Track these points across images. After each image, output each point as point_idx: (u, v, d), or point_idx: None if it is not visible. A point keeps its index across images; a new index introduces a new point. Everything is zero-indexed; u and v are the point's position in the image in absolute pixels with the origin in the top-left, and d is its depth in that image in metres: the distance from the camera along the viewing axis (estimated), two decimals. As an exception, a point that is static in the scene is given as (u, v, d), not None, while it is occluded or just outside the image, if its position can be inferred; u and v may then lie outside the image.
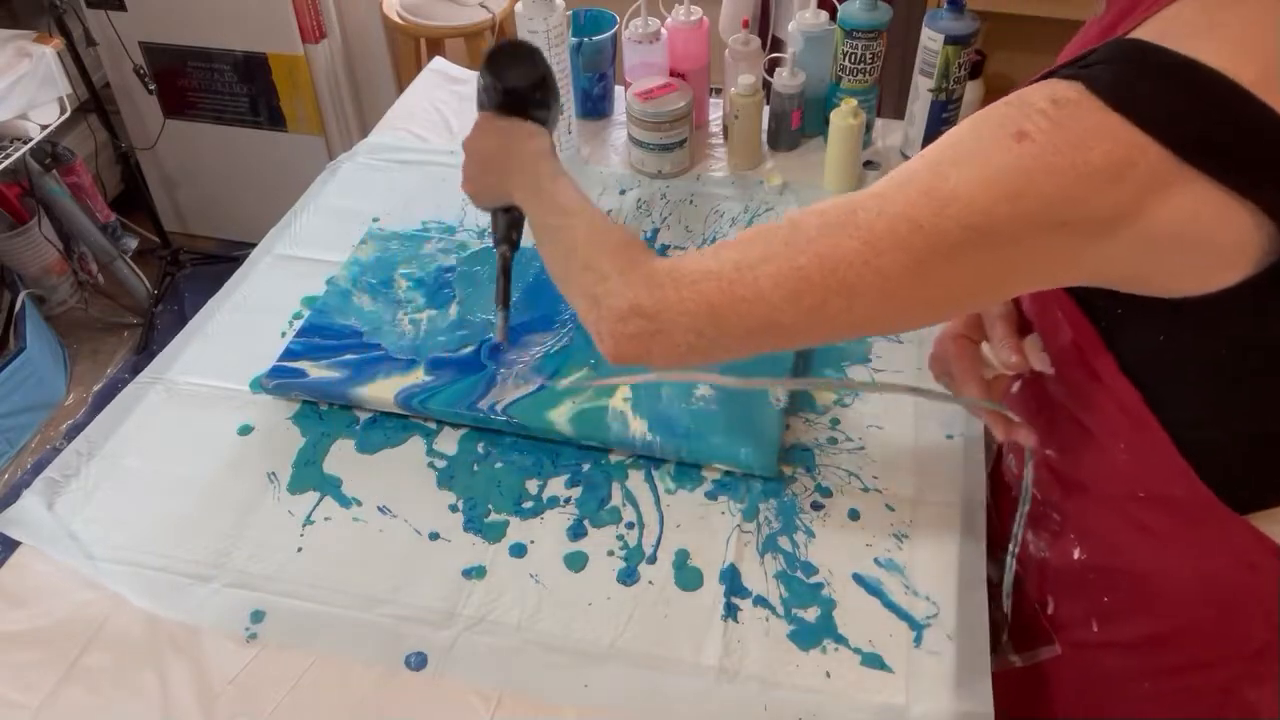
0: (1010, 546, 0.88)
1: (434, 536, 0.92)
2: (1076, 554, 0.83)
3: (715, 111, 1.46)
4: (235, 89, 2.45)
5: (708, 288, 0.64)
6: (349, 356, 1.06)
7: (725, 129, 1.40)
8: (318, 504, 0.95)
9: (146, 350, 2.47)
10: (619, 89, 1.47)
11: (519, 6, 1.25)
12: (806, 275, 0.61)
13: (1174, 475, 0.71)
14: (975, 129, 0.61)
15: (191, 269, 2.59)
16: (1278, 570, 0.72)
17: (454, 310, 1.11)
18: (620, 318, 0.67)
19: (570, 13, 1.34)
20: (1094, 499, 0.79)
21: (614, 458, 0.98)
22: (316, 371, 1.04)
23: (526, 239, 0.94)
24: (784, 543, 0.90)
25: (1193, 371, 0.66)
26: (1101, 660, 0.85)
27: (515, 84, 0.92)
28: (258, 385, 1.05)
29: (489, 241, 1.23)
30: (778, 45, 1.74)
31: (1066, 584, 0.86)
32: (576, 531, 0.92)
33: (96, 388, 2.41)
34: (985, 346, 0.84)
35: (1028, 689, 0.92)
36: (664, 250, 1.22)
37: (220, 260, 2.60)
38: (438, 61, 1.64)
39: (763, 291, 0.62)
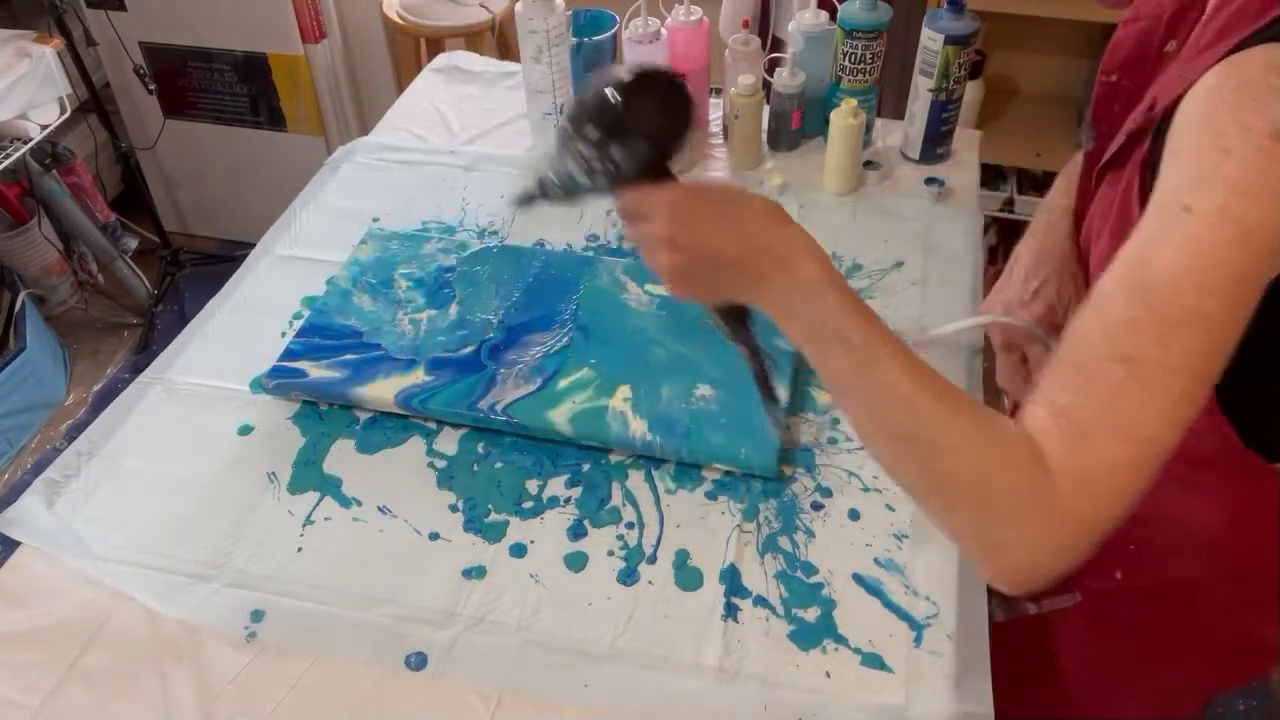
0: None
1: (434, 536, 0.92)
2: None
3: (715, 111, 1.46)
4: (235, 89, 2.45)
5: (1122, 481, 0.57)
6: (349, 356, 1.06)
7: (725, 129, 1.40)
8: (318, 504, 0.95)
9: (146, 350, 2.47)
10: (619, 89, 1.46)
11: (519, 6, 1.25)
12: (1183, 398, 0.57)
13: (1211, 426, 0.72)
14: (1221, 146, 0.56)
15: (191, 269, 2.59)
16: None
17: (454, 310, 1.11)
18: (1037, 572, 0.59)
19: (570, 13, 1.34)
20: None
21: (614, 458, 0.98)
22: (316, 371, 1.04)
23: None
24: (784, 543, 0.90)
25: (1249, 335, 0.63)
26: (1122, 607, 0.87)
27: (669, 134, 0.71)
28: (258, 385, 1.05)
29: (488, 241, 1.23)
30: (778, 45, 1.74)
31: None
32: (576, 531, 0.92)
33: (96, 388, 2.41)
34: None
35: (1038, 637, 0.94)
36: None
37: (220, 260, 2.60)
38: (441, 58, 1.64)
39: (1157, 440, 0.57)
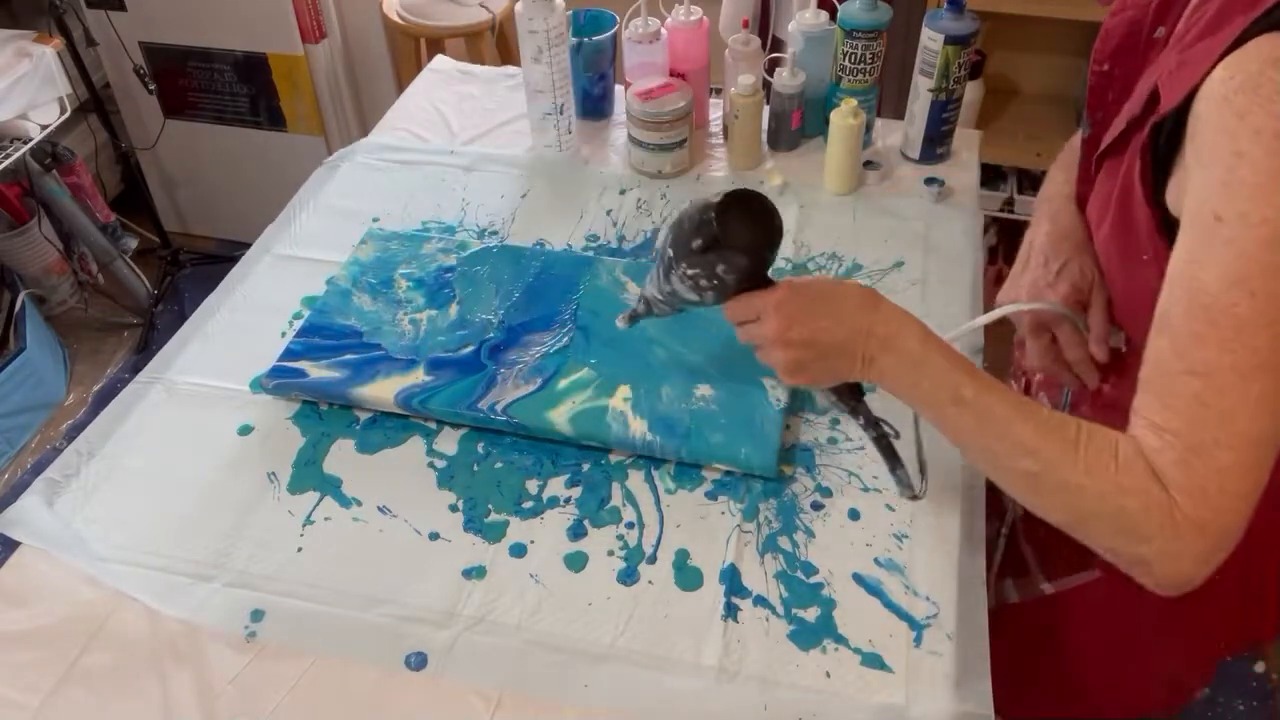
0: None
1: (434, 536, 0.92)
2: None
3: (715, 111, 1.46)
4: (235, 89, 2.45)
5: (1235, 486, 0.62)
6: (349, 356, 1.06)
7: (725, 129, 1.40)
8: (318, 504, 0.95)
9: (146, 350, 2.47)
10: (619, 89, 1.47)
11: (519, 6, 1.25)
12: (1266, 393, 0.61)
13: None
14: (1234, 150, 0.59)
15: (191, 269, 2.59)
16: None
17: (454, 310, 1.11)
18: (1191, 576, 0.65)
19: (570, 13, 1.34)
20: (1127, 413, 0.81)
21: (614, 458, 0.98)
22: (316, 371, 1.04)
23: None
24: (784, 543, 0.90)
25: None
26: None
27: (766, 245, 0.78)
28: (258, 385, 1.05)
29: (488, 241, 1.23)
30: (778, 45, 1.74)
31: None
32: (576, 531, 0.92)
33: (96, 388, 2.41)
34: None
35: (1053, 617, 0.96)
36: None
37: (220, 260, 2.60)
38: (439, 60, 1.64)
39: (1257, 439, 0.62)
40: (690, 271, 0.79)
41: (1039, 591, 0.98)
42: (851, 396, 0.84)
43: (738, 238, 0.77)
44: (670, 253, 0.81)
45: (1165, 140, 0.67)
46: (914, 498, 0.89)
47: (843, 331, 0.75)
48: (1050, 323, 0.89)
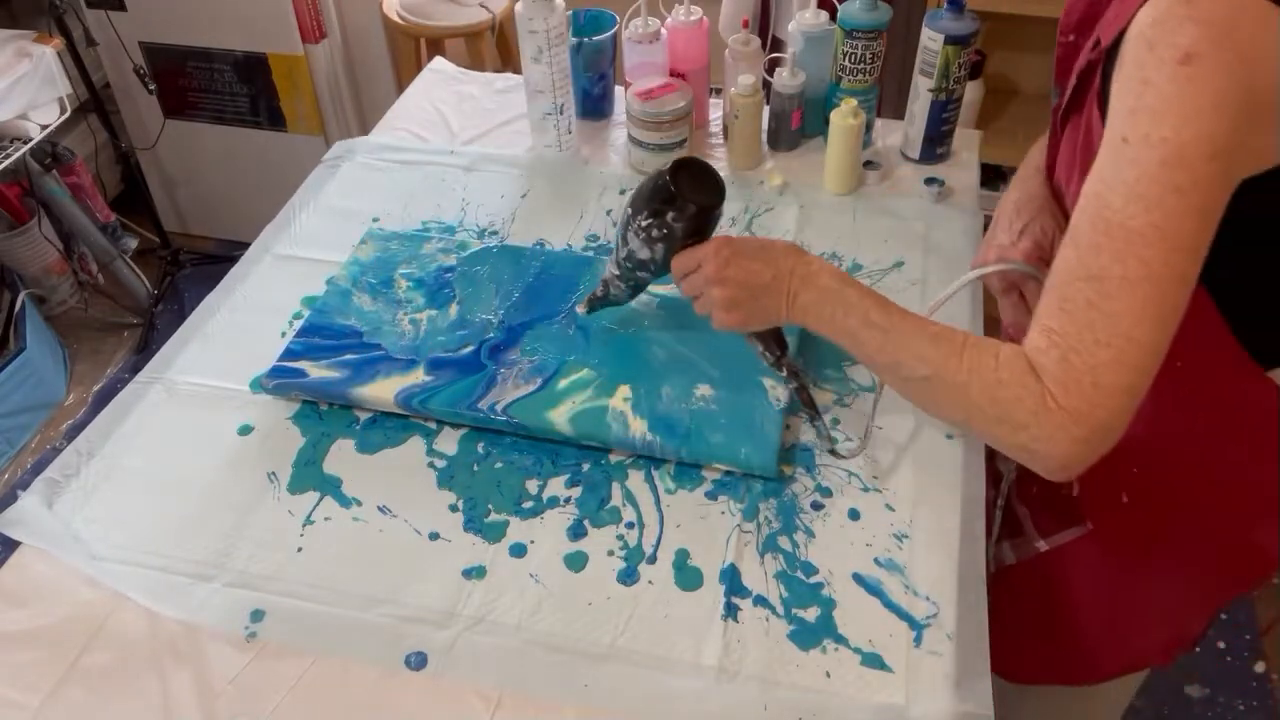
0: None
1: (434, 536, 0.92)
2: None
3: (715, 111, 1.46)
4: (235, 89, 2.45)
5: (1110, 379, 0.68)
6: (349, 356, 1.06)
7: (725, 129, 1.40)
8: (318, 504, 0.95)
9: (146, 350, 2.47)
10: (619, 89, 1.47)
11: (519, 6, 1.25)
12: (1152, 300, 0.67)
13: (1211, 336, 0.77)
14: (1142, 78, 0.65)
15: (191, 269, 2.59)
16: None
17: (454, 310, 1.11)
18: (1067, 461, 0.71)
19: (570, 13, 1.34)
20: None
21: (614, 458, 0.98)
22: (316, 371, 1.04)
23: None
24: (784, 543, 0.90)
25: (1240, 240, 0.71)
26: (1129, 528, 0.93)
27: (710, 202, 0.90)
28: (258, 385, 1.05)
29: (488, 241, 1.23)
30: (778, 45, 1.75)
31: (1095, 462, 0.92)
32: (576, 531, 0.92)
33: (96, 388, 2.41)
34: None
35: (1050, 575, 1.00)
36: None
37: (220, 260, 2.60)
38: (438, 61, 1.64)
39: (1138, 340, 0.68)
40: (645, 223, 0.92)
41: (1034, 550, 1.02)
42: (777, 345, 0.94)
43: (686, 190, 0.90)
44: (629, 211, 0.94)
45: (1110, 83, 0.71)
46: (832, 452, 0.96)
47: (770, 272, 0.86)
48: (1018, 281, 0.95)
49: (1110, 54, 0.71)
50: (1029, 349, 0.72)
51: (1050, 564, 1.01)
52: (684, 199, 0.90)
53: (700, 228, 0.92)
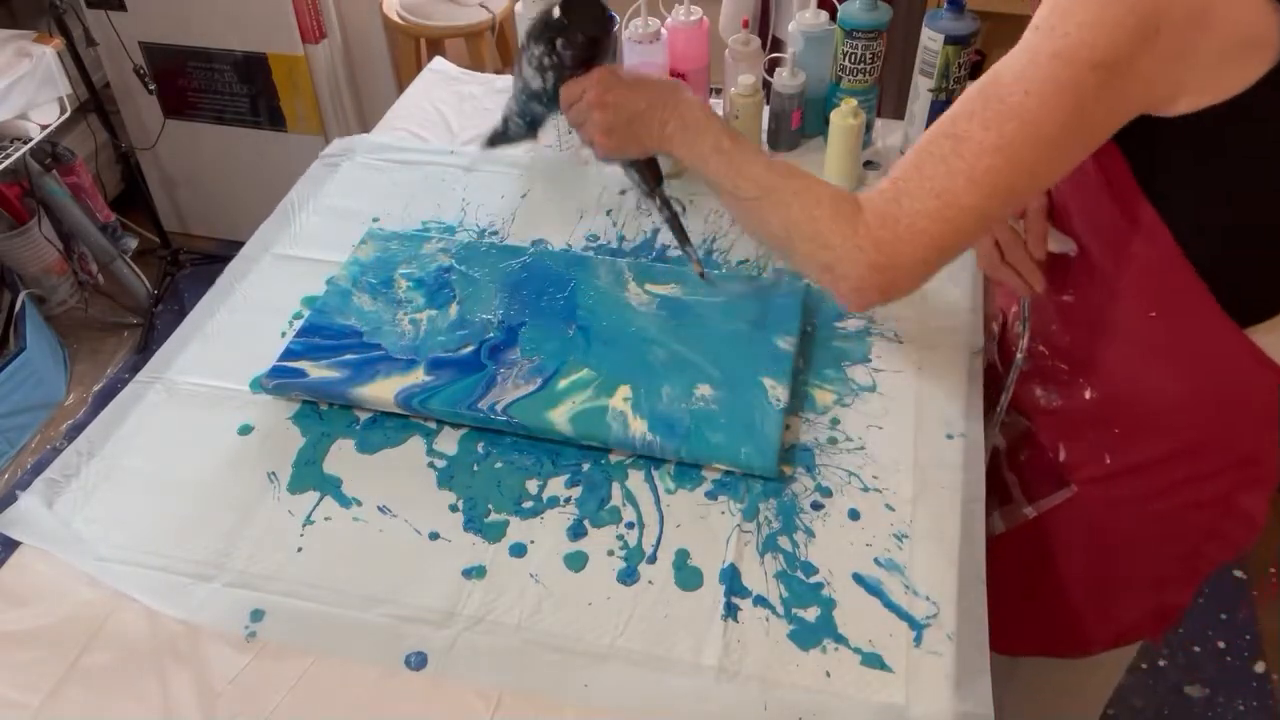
0: (1002, 398, 1.02)
1: (434, 536, 0.92)
2: (1087, 394, 0.94)
3: (715, 111, 1.45)
4: (235, 89, 2.45)
5: (924, 225, 0.73)
6: (349, 356, 1.06)
7: (725, 129, 1.40)
8: (318, 504, 0.95)
9: (146, 350, 2.47)
10: (619, 89, 1.46)
11: (519, 6, 1.25)
12: (994, 172, 0.70)
13: (1190, 297, 0.79)
14: None
15: (191, 269, 2.59)
16: (1268, 381, 0.82)
17: (454, 310, 1.11)
18: (860, 284, 0.76)
19: (570, 13, 1.34)
20: (1107, 332, 0.88)
21: (614, 458, 0.98)
22: (316, 371, 1.04)
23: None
24: (784, 543, 0.90)
25: (1212, 192, 0.75)
26: (1113, 490, 0.95)
27: (597, 33, 0.93)
28: (258, 385, 1.05)
29: (489, 238, 1.23)
30: (778, 45, 1.74)
31: (1078, 425, 0.96)
32: (576, 531, 0.92)
33: (96, 388, 2.41)
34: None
35: (1038, 543, 1.02)
36: (663, 251, 1.22)
37: (220, 260, 2.58)
38: (438, 62, 1.64)
39: (966, 205, 0.71)
40: (536, 51, 0.95)
41: (1023, 517, 1.04)
42: (651, 175, 1.00)
43: (577, 21, 0.93)
44: (524, 41, 0.97)
45: None
46: (701, 275, 1.04)
47: (645, 101, 0.90)
48: (993, 229, 0.98)
49: None
50: (870, 192, 0.76)
51: (1038, 531, 1.02)
52: (573, 28, 0.93)
53: (589, 58, 0.95)
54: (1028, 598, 1.05)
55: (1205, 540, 0.97)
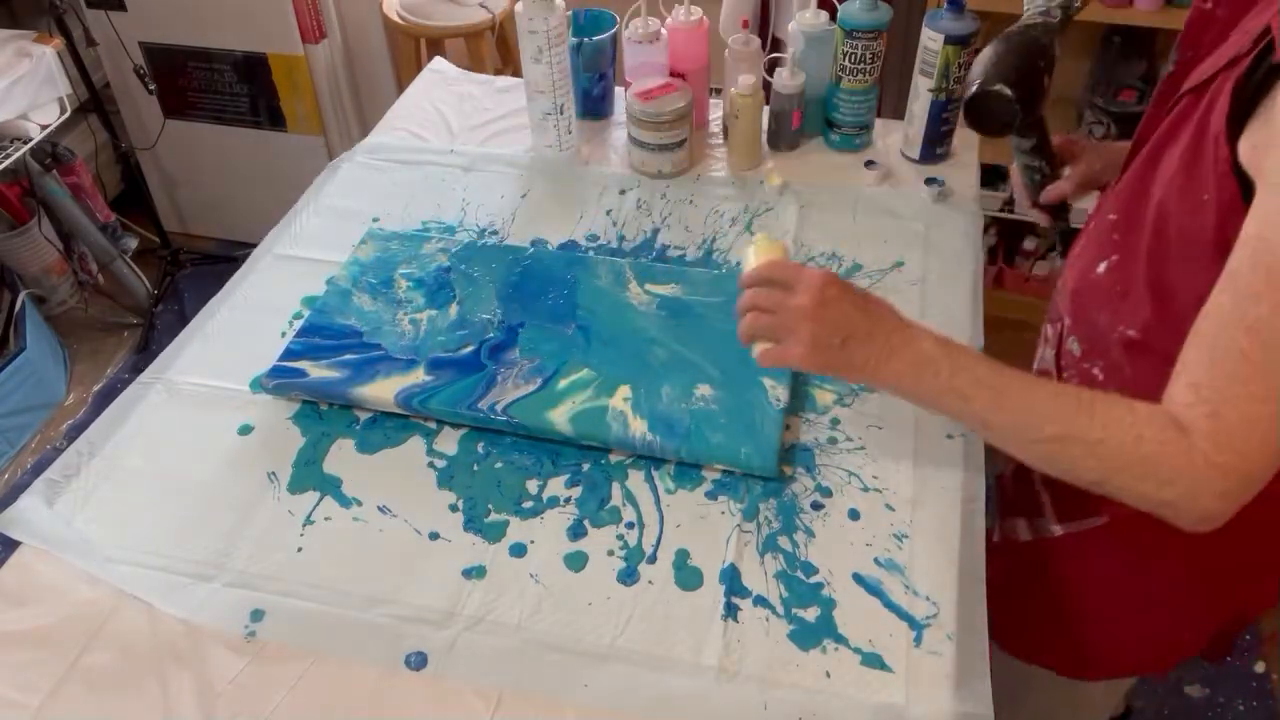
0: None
1: (434, 536, 0.92)
2: None
3: (715, 111, 1.46)
4: (235, 89, 2.45)
5: (1262, 434, 0.65)
6: (349, 356, 1.06)
7: (725, 129, 1.40)
8: (318, 504, 0.95)
9: (146, 350, 2.47)
10: (619, 89, 1.47)
11: (519, 6, 1.25)
12: None
13: None
14: None
15: (191, 269, 2.59)
16: None
17: (454, 310, 1.11)
18: (1209, 513, 0.69)
19: (570, 13, 1.34)
20: (1159, 358, 0.82)
21: (614, 458, 0.98)
22: (316, 371, 1.04)
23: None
24: (784, 543, 0.90)
25: None
26: (1143, 529, 0.88)
27: (1002, 129, 0.96)
28: (258, 385, 1.05)
29: (489, 238, 1.23)
30: (778, 45, 1.74)
31: None
32: (576, 531, 0.92)
33: (96, 388, 2.41)
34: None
35: (1059, 560, 0.99)
36: (663, 251, 1.22)
37: (220, 260, 2.60)
38: (438, 62, 1.64)
39: None
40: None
41: (1049, 533, 1.01)
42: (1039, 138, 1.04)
43: (975, 118, 0.98)
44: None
45: (1257, 84, 0.68)
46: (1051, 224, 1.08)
47: (868, 325, 0.80)
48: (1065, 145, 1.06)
49: (1254, 70, 0.67)
50: (1172, 404, 0.69)
51: (1062, 550, 1.00)
52: (984, 126, 0.98)
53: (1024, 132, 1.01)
54: (1039, 608, 1.04)
55: (1223, 594, 0.95)
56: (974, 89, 0.95)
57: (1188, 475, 0.67)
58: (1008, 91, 0.94)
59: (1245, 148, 0.69)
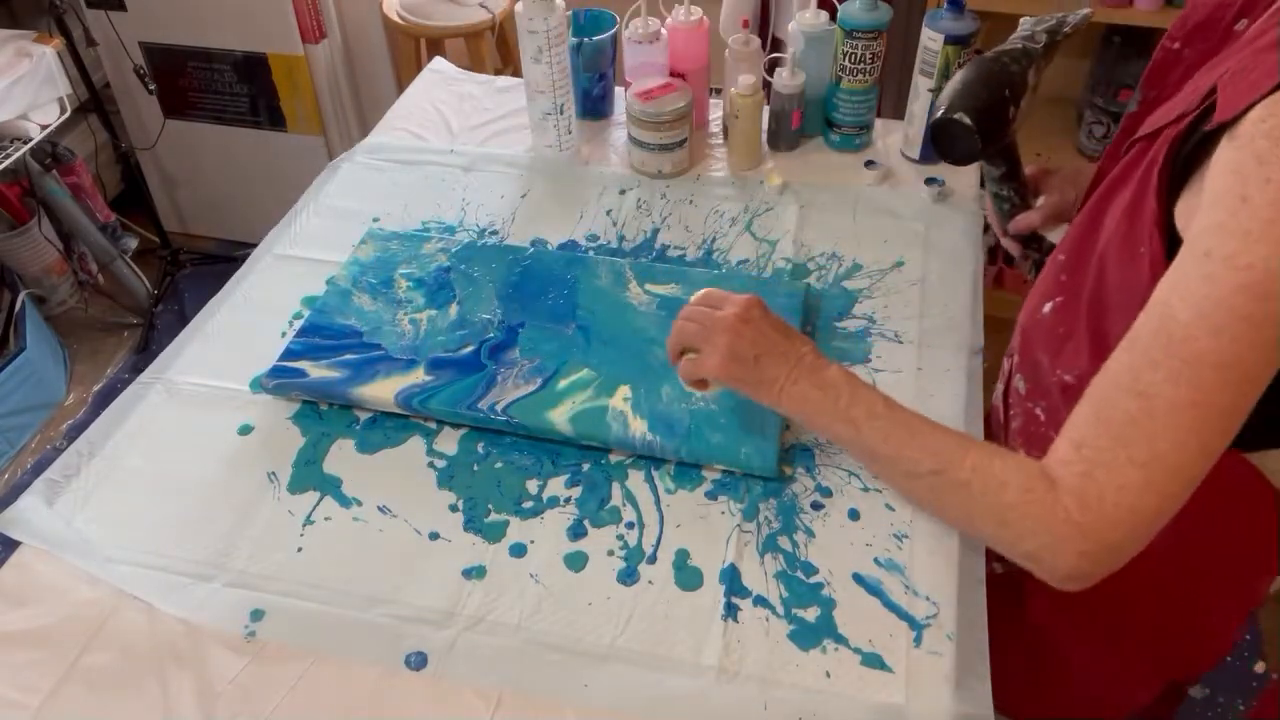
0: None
1: (434, 536, 0.92)
2: None
3: (715, 111, 1.46)
4: (235, 89, 2.45)
5: (1131, 502, 0.64)
6: (349, 356, 1.06)
7: (725, 129, 1.40)
8: (318, 504, 0.95)
9: (146, 350, 2.47)
10: (619, 89, 1.47)
11: (519, 6, 1.25)
12: (1197, 428, 0.62)
13: None
14: (1242, 193, 0.59)
15: (191, 269, 2.59)
16: (1264, 508, 0.79)
17: (454, 310, 1.11)
18: (1073, 573, 0.68)
19: (570, 13, 1.34)
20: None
21: (614, 458, 0.98)
22: (316, 371, 1.04)
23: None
24: (784, 543, 0.90)
25: None
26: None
27: (964, 158, 0.96)
28: (258, 385, 1.05)
29: (489, 238, 1.23)
30: (778, 45, 1.74)
31: None
32: (576, 531, 0.92)
33: (96, 388, 2.41)
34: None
35: (1028, 594, 0.98)
36: (663, 251, 1.22)
37: (220, 260, 2.60)
38: (438, 62, 1.64)
39: (1174, 466, 0.63)
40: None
41: (992, 569, 1.00)
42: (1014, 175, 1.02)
43: (942, 148, 0.97)
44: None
45: (1194, 146, 0.66)
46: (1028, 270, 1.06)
47: (784, 346, 0.84)
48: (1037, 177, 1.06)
49: (1193, 128, 0.66)
50: (1052, 458, 0.68)
51: (1005, 586, 0.98)
52: (951, 157, 0.97)
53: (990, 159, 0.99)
54: (1014, 640, 1.03)
55: (1174, 650, 0.95)
56: (936, 116, 0.94)
57: (1047, 530, 0.67)
58: (968, 121, 0.92)
59: (1181, 209, 0.68)
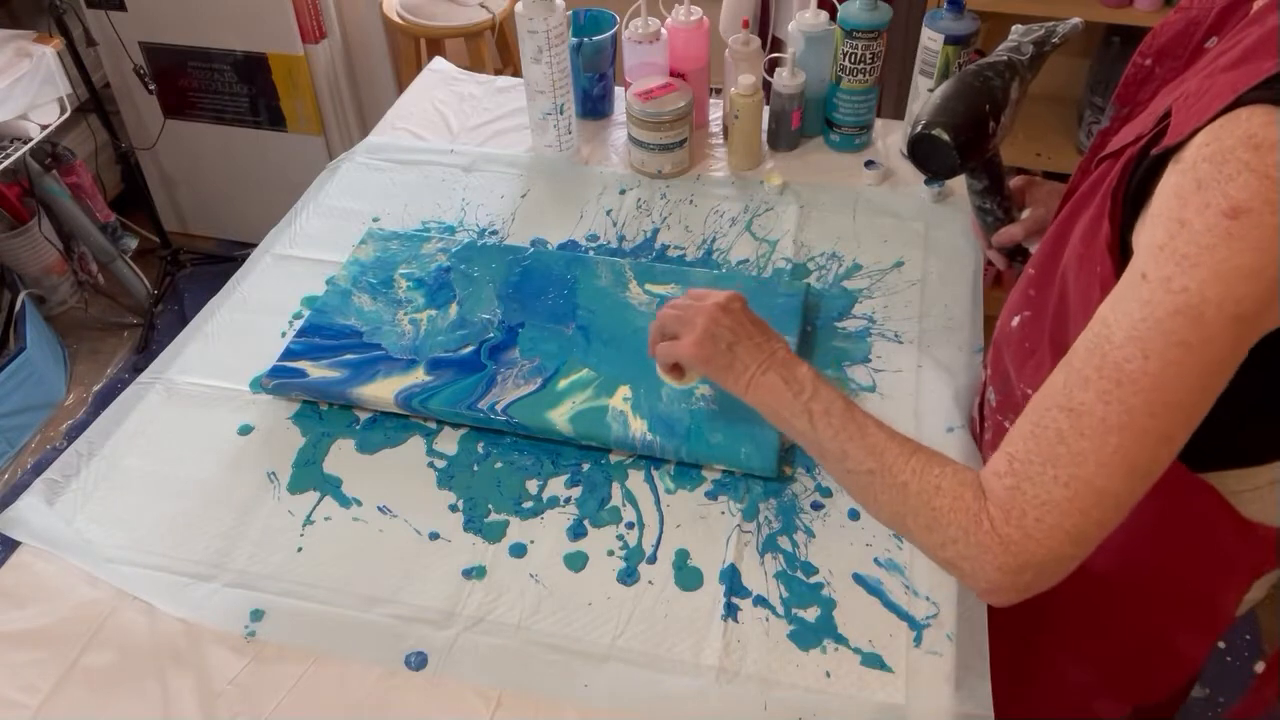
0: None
1: (434, 536, 0.92)
2: None
3: (715, 111, 1.46)
4: (235, 89, 2.45)
5: (1055, 520, 0.63)
6: (349, 356, 1.06)
7: (725, 129, 1.40)
8: (318, 504, 0.95)
9: (146, 350, 2.47)
10: (619, 89, 1.47)
11: (519, 6, 1.25)
12: (1125, 451, 0.61)
13: None
14: (1179, 217, 0.59)
15: (191, 269, 2.59)
16: (1223, 530, 0.78)
17: (454, 310, 1.11)
18: (993, 587, 0.67)
19: (570, 13, 1.34)
20: None
21: (614, 458, 0.98)
22: (316, 371, 1.04)
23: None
24: (784, 543, 0.90)
25: None
26: (1060, 601, 0.87)
27: (944, 171, 0.95)
28: (258, 385, 1.05)
29: (489, 238, 1.24)
30: (778, 45, 1.74)
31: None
32: (576, 531, 0.92)
33: (96, 388, 2.41)
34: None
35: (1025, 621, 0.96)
36: (663, 251, 1.22)
37: (220, 260, 2.60)
38: (438, 62, 1.64)
39: (1100, 489, 0.62)
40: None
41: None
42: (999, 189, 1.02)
43: (920, 163, 0.97)
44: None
45: (1148, 167, 0.66)
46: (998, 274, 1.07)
47: (760, 339, 0.84)
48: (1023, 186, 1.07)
49: (1146, 150, 0.65)
50: (987, 471, 0.68)
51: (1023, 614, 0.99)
52: (929, 170, 0.97)
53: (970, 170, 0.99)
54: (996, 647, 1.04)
55: (1138, 672, 0.94)
56: (914, 131, 0.94)
57: (970, 539, 0.67)
58: (945, 136, 0.92)
59: (1138, 231, 0.67)
